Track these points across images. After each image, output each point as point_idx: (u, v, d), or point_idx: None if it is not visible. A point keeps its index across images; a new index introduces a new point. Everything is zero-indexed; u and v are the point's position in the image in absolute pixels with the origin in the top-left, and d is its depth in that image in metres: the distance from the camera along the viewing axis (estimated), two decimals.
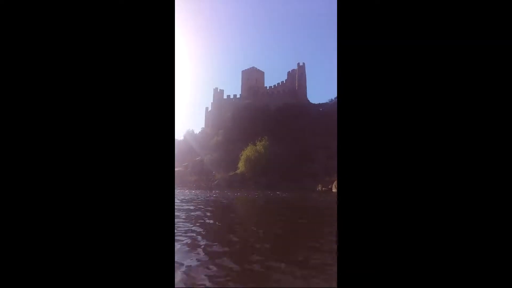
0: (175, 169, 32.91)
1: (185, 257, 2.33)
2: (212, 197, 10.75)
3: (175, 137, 37.96)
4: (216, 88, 42.23)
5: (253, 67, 47.93)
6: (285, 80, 41.67)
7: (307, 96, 37.52)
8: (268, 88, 42.66)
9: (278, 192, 14.24)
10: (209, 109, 49.68)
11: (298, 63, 37.69)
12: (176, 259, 2.22)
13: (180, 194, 12.41)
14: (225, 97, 42.42)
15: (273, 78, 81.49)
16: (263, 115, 33.69)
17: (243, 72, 48.32)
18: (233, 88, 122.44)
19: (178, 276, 1.92)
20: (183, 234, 3.23)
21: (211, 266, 2.10)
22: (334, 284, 1.77)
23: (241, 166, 25.14)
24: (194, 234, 3.26)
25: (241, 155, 25.59)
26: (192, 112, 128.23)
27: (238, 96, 43.36)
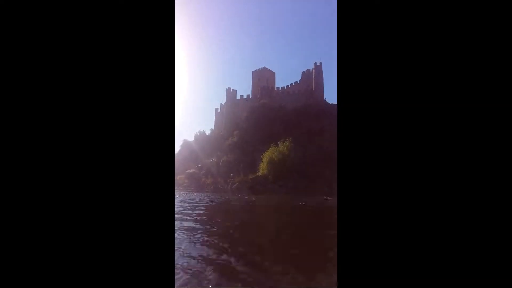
0: (189, 171, 31.91)
1: None
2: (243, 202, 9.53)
3: (186, 139, 37.41)
4: (229, 88, 41.11)
5: (264, 67, 46.97)
6: (299, 80, 40.65)
7: (325, 97, 36.45)
8: (280, 88, 41.61)
9: (325, 198, 13.01)
10: (219, 110, 48.65)
11: (315, 63, 36.61)
12: None
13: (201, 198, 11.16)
14: (237, 97, 41.26)
15: (282, 79, 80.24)
16: (280, 116, 32.60)
17: (253, 72, 47.35)
18: (242, 89, 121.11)
19: None
20: None
21: None
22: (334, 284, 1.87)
23: (263, 168, 23.93)
24: None
25: (263, 157, 24.39)
26: (198, 113, 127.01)
27: (250, 96, 42.28)
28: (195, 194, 16.85)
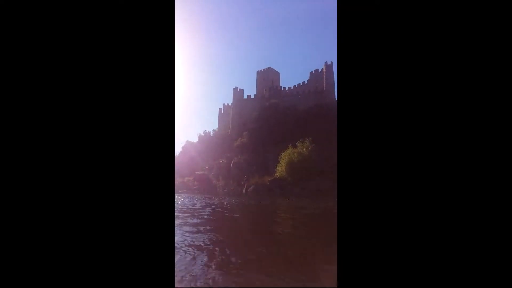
0: (198, 173, 30.50)
1: None
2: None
3: (189, 140, 36.05)
4: (236, 88, 39.83)
5: (269, 68, 46.00)
6: (307, 80, 39.80)
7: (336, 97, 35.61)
8: (287, 88, 40.66)
9: None
10: (223, 110, 47.37)
11: (326, 62, 35.82)
12: None
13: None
14: (245, 97, 40.03)
15: (284, 79, 79.17)
16: (292, 116, 31.58)
17: (258, 72, 46.32)
18: (245, 89, 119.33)
19: None
20: None
21: None
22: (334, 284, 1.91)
23: (281, 170, 22.79)
24: None
25: (280, 158, 23.27)
26: (198, 114, 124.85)
27: (254, 96, 41.05)
28: (217, 199, 15.59)
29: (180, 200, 12.44)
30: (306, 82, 39.76)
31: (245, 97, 39.96)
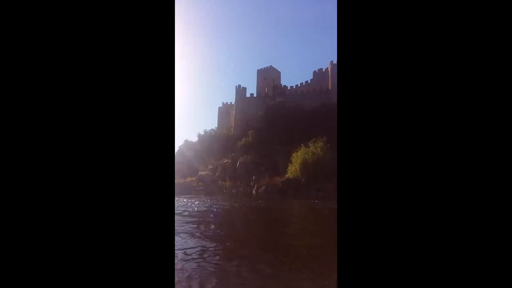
0: (202, 173, 29.24)
1: None
2: None
3: (188, 139, 34.60)
4: (239, 86, 38.62)
5: (270, 66, 45.18)
6: (310, 80, 39.23)
7: None
8: (289, 87, 39.93)
9: None
10: (222, 109, 46.17)
11: (331, 61, 35.30)
12: None
13: None
14: (247, 95, 38.96)
15: (285, 78, 77.15)
16: (299, 116, 30.80)
17: (259, 71, 45.43)
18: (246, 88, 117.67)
19: None
20: None
21: None
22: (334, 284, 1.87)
23: (293, 170, 21.90)
24: None
25: (292, 158, 22.40)
26: (194, 113, 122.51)
27: (254, 95, 40.03)
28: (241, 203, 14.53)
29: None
30: (309, 82, 39.22)
31: (247, 95, 38.86)
